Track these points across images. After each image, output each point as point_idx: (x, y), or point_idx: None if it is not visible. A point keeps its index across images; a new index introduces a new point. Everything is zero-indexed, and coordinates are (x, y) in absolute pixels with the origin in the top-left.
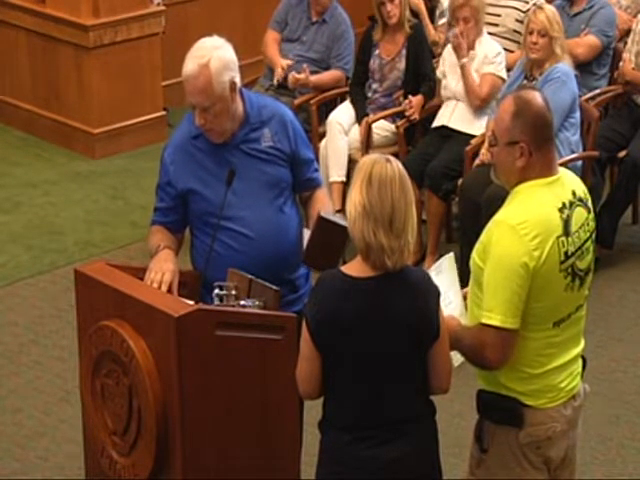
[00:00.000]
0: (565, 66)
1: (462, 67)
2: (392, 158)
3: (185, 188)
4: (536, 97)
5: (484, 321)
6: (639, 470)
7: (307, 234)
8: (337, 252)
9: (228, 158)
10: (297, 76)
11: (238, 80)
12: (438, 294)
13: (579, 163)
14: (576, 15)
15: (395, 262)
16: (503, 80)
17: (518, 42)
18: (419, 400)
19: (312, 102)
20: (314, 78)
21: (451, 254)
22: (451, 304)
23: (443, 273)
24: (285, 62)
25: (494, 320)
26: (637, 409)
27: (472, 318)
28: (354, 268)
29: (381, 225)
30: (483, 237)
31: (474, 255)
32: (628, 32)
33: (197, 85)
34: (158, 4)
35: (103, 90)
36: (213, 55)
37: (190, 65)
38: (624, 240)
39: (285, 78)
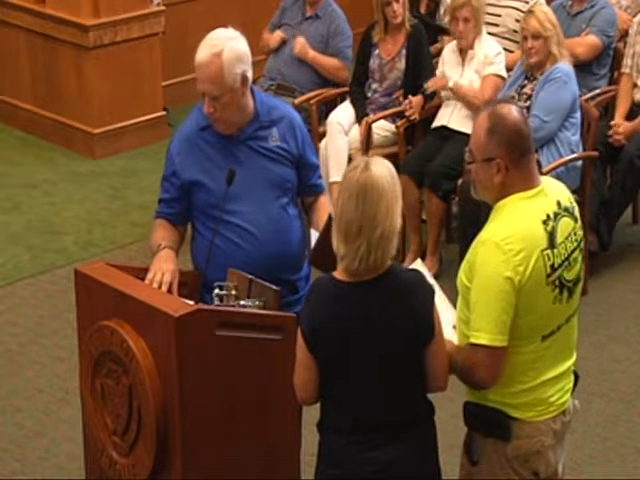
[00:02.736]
0: (565, 66)
1: (452, 89)
2: (373, 161)
3: (190, 179)
4: (511, 111)
5: (473, 341)
6: (639, 470)
7: (314, 235)
8: None
9: (235, 152)
10: (302, 41)
11: (250, 75)
12: (432, 293)
13: (579, 163)
14: (577, 14)
15: (344, 266)
16: (504, 79)
17: (518, 42)
18: (417, 401)
19: (312, 102)
20: (314, 53)
21: (417, 261)
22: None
23: None
24: (279, 34)
25: (482, 339)
26: (637, 409)
27: (461, 336)
28: (344, 273)
29: (335, 229)
30: (469, 256)
31: (460, 274)
32: (628, 32)
33: (208, 73)
34: (158, 4)
35: (103, 90)
36: (227, 45)
37: (203, 53)
38: (624, 240)
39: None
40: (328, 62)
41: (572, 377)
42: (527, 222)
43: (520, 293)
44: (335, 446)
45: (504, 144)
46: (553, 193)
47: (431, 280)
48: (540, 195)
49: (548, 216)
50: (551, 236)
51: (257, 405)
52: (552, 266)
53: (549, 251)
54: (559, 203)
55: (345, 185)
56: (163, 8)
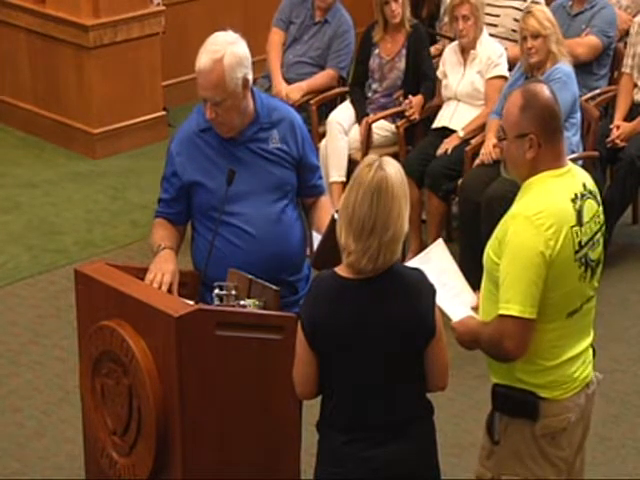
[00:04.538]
0: (566, 67)
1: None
2: (385, 163)
3: (190, 180)
4: (544, 89)
5: (502, 312)
6: (639, 470)
7: (316, 238)
8: None
9: (235, 154)
10: (289, 89)
11: (250, 77)
12: (433, 292)
13: (579, 163)
14: (577, 15)
15: (350, 263)
16: (507, 79)
17: (517, 41)
18: (417, 400)
19: (312, 102)
20: (306, 83)
21: (440, 240)
22: (446, 286)
23: (432, 261)
24: (285, 88)
25: (512, 310)
26: (637, 409)
27: (485, 315)
28: (347, 269)
29: (344, 224)
30: (497, 232)
31: (488, 251)
32: (628, 32)
33: (210, 80)
34: (158, 4)
35: (103, 90)
36: (227, 51)
37: (204, 59)
38: (624, 240)
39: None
40: (323, 79)
41: (591, 351)
42: (557, 199)
43: (550, 267)
44: (335, 445)
45: (537, 120)
46: (579, 176)
47: (449, 256)
48: (568, 175)
49: (576, 195)
50: (579, 214)
51: (257, 405)
52: (580, 243)
53: (577, 228)
54: (584, 185)
55: (359, 182)
56: (163, 8)
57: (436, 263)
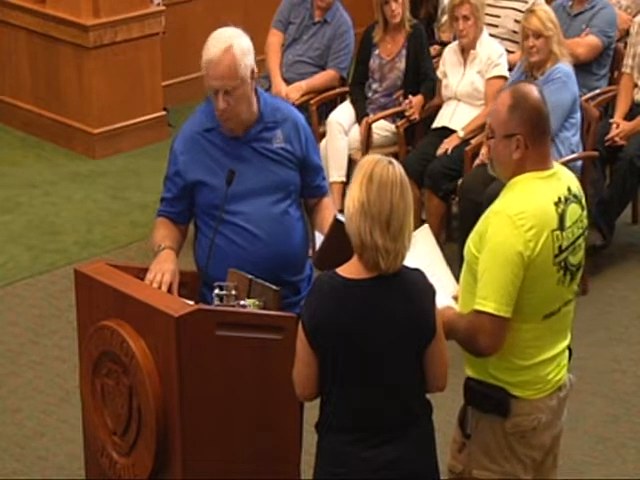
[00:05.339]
0: (565, 66)
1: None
2: (394, 161)
3: (194, 179)
4: (533, 91)
5: (478, 308)
6: (639, 470)
7: (319, 238)
8: (350, 256)
9: (239, 154)
10: (289, 89)
11: (256, 70)
12: (433, 292)
13: (579, 163)
14: (577, 15)
15: (388, 264)
16: (507, 80)
17: (517, 42)
18: (416, 400)
19: (312, 102)
20: (305, 83)
21: (425, 225)
22: (429, 272)
23: (417, 246)
24: (285, 88)
25: (488, 307)
26: (637, 409)
27: (463, 306)
28: (349, 270)
29: (378, 225)
30: (479, 226)
31: (469, 244)
32: (628, 32)
33: (222, 68)
34: (158, 4)
35: (103, 90)
36: (234, 41)
37: (213, 50)
38: (624, 240)
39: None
40: (323, 79)
41: (567, 353)
42: (540, 201)
43: (528, 269)
44: (336, 445)
45: (525, 121)
46: (565, 179)
47: (435, 243)
48: (554, 178)
49: (559, 199)
50: (561, 218)
51: (257, 405)
52: (560, 247)
53: (559, 232)
54: (569, 189)
55: (385, 180)
56: (163, 8)
57: (420, 248)
